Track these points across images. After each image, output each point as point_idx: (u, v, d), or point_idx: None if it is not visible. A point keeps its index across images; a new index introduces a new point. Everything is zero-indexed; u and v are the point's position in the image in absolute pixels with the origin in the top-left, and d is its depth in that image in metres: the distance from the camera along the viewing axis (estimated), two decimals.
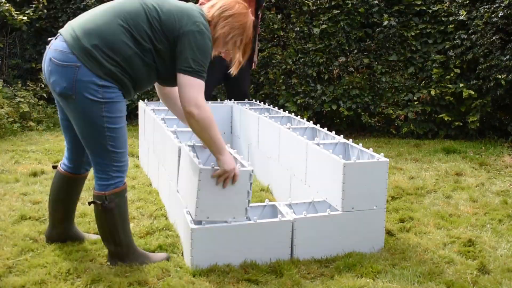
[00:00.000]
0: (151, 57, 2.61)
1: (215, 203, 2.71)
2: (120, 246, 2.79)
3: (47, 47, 2.66)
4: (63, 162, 3.04)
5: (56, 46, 2.59)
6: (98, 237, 3.06)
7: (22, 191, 4.08)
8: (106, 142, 2.61)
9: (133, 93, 2.70)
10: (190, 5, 2.71)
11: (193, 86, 2.56)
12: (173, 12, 2.61)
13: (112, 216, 2.71)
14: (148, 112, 4.46)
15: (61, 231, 3.06)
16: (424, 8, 6.37)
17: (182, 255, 3.00)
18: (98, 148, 2.63)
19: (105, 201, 2.68)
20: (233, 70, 2.85)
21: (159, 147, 3.93)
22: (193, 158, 2.79)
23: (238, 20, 2.73)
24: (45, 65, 2.65)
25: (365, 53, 6.53)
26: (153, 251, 3.03)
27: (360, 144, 3.38)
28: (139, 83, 2.67)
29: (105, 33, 2.54)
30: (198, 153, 2.98)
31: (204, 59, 2.59)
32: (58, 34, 2.65)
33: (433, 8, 6.33)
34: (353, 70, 6.49)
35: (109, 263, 2.85)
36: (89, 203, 2.78)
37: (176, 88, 2.81)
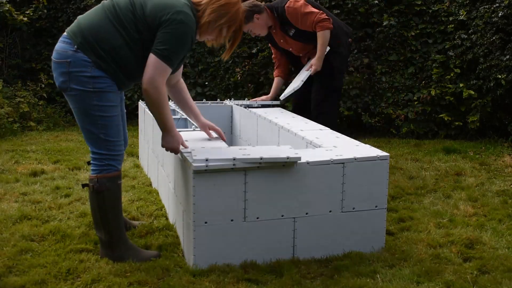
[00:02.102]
0: (139, 47, 2.77)
1: None
2: (110, 234, 2.89)
3: None
4: None
5: (55, 48, 2.82)
6: (140, 222, 3.41)
7: (22, 191, 4.08)
8: (99, 131, 2.79)
9: (127, 83, 2.89)
10: None
11: (156, 68, 2.70)
12: (156, 2, 2.76)
13: (102, 199, 2.85)
14: (148, 112, 4.46)
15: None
16: (424, 8, 6.37)
17: (183, 255, 3.00)
18: (93, 138, 2.83)
19: (96, 184, 2.83)
20: (224, 56, 3.03)
21: (158, 148, 3.93)
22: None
23: (226, 9, 2.83)
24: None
25: (365, 53, 6.53)
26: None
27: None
28: (130, 73, 2.84)
29: (96, 25, 2.75)
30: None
31: (177, 47, 2.73)
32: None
33: (433, 8, 6.33)
34: (353, 70, 6.48)
35: (100, 256, 2.95)
36: (83, 186, 3.00)
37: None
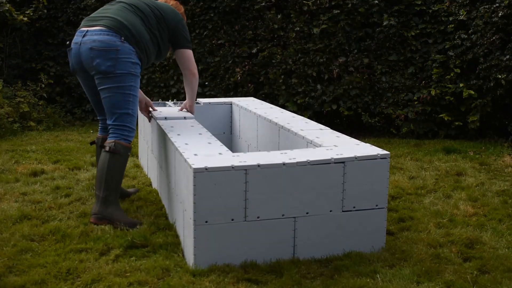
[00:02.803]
0: (156, 41, 3.61)
1: None
2: (108, 192, 3.38)
3: (76, 43, 3.42)
4: (100, 132, 3.85)
5: (92, 38, 3.36)
6: (135, 190, 4.13)
7: (22, 191, 4.08)
8: (128, 108, 3.43)
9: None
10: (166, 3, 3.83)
11: (192, 57, 3.78)
12: (166, 8, 3.66)
13: (114, 160, 3.39)
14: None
15: None
16: (424, 8, 6.37)
17: (183, 255, 3.00)
18: (121, 113, 3.42)
19: (113, 146, 3.39)
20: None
21: (157, 149, 3.93)
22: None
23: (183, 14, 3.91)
24: (82, 55, 3.40)
25: (365, 53, 6.53)
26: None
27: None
28: (149, 61, 3.63)
29: (134, 23, 3.47)
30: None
31: (189, 37, 3.77)
32: (85, 30, 3.41)
33: (433, 8, 6.33)
34: (353, 70, 6.48)
35: (91, 213, 3.43)
36: (91, 143, 3.98)
37: None
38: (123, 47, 3.35)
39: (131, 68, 3.39)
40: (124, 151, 3.43)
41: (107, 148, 3.39)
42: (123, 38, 3.36)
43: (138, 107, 3.92)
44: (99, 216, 3.35)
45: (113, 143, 3.39)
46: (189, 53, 3.73)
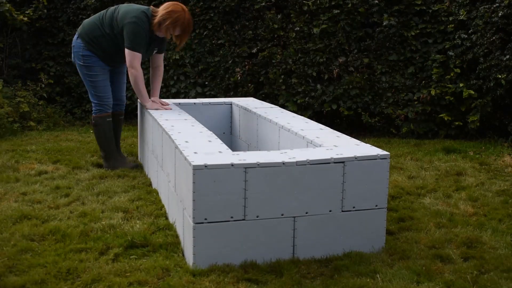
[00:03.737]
0: (112, 38, 4.45)
1: None
2: (105, 152, 4.71)
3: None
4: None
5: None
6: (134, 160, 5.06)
7: (22, 191, 4.08)
8: (91, 89, 4.60)
9: (112, 61, 4.59)
10: (137, 6, 4.45)
11: (130, 55, 4.36)
12: (123, 12, 4.39)
13: (98, 130, 4.67)
14: (146, 112, 4.46)
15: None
16: (424, 8, 6.37)
17: (183, 255, 3.00)
18: (90, 93, 4.64)
19: (93, 120, 4.67)
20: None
21: (157, 149, 3.93)
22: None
23: (169, 14, 4.28)
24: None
25: (365, 53, 6.53)
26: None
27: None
28: (109, 54, 4.52)
29: (87, 24, 4.58)
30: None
31: (136, 39, 4.33)
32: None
33: (433, 8, 6.33)
34: (353, 70, 6.48)
35: (103, 166, 4.74)
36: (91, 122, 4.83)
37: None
38: (76, 43, 4.53)
39: (81, 60, 4.50)
40: (103, 121, 4.60)
41: (91, 123, 4.70)
42: (77, 36, 4.53)
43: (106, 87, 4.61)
44: (107, 169, 4.63)
45: (93, 118, 4.64)
46: (128, 52, 4.33)
